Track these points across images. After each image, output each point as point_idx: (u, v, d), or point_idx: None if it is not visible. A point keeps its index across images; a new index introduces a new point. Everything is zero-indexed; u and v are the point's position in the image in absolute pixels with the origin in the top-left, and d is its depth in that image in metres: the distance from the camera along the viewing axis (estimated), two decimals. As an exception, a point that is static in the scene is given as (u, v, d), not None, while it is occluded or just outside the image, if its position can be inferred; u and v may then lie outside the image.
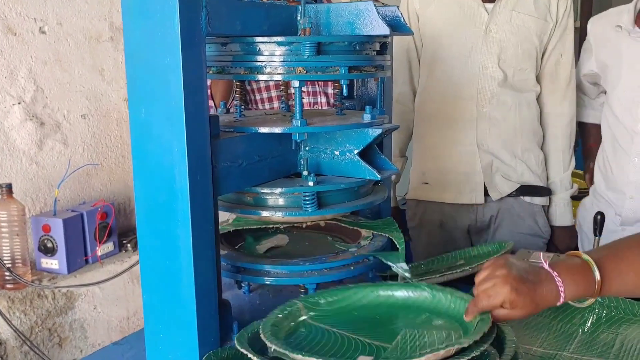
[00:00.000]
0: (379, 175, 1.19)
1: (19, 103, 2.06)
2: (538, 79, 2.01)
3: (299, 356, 0.89)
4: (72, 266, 2.09)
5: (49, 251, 2.06)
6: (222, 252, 1.25)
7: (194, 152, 0.98)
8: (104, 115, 2.35)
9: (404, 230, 2.19)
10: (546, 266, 1.01)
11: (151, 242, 1.03)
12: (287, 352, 0.91)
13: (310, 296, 1.13)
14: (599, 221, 1.50)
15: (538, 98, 2.01)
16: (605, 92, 2.02)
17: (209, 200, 1.03)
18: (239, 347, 0.97)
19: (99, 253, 2.17)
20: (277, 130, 1.13)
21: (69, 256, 2.06)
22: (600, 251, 1.13)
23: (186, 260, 1.00)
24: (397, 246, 1.30)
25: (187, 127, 0.96)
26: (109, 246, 2.23)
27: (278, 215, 1.17)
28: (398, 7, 1.24)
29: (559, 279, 0.99)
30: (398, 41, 1.87)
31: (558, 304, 1.00)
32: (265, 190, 1.16)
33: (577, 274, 1.01)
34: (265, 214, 1.17)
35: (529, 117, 1.98)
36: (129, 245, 2.27)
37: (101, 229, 2.17)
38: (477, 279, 1.03)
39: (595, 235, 1.50)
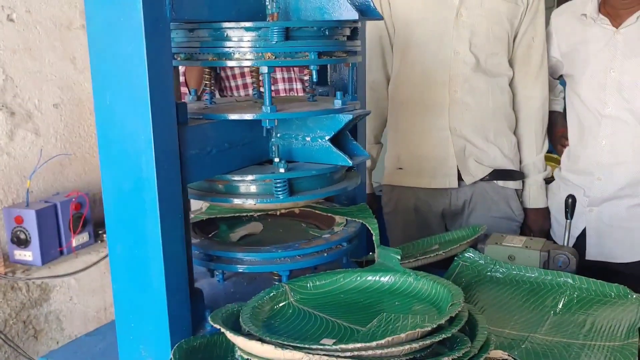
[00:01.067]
0: (350, 162, 1.19)
1: (-12, 93, 2.03)
2: (510, 63, 2.01)
3: (259, 342, 0.89)
4: (46, 257, 2.07)
5: (22, 243, 2.04)
6: (195, 241, 1.24)
7: (160, 140, 0.96)
8: (77, 105, 2.32)
9: (379, 216, 2.21)
10: None
11: (120, 232, 1.01)
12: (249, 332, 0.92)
13: (298, 279, 1.14)
14: (570, 204, 1.51)
15: (510, 82, 2.02)
16: (563, 83, 2.06)
17: (177, 188, 1.02)
18: (211, 323, 0.97)
19: (73, 244, 2.15)
20: (246, 116, 1.12)
21: (43, 247, 2.05)
22: None
23: (155, 249, 0.99)
24: (371, 232, 1.30)
25: (152, 115, 0.95)
26: (83, 237, 2.21)
27: (250, 203, 1.16)
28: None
29: None
30: (371, 28, 1.86)
31: None
32: (236, 178, 1.15)
33: None
34: (236, 201, 1.16)
35: (501, 101, 1.98)
36: (104, 235, 2.25)
37: (75, 220, 2.15)
38: None
39: (566, 218, 1.51)
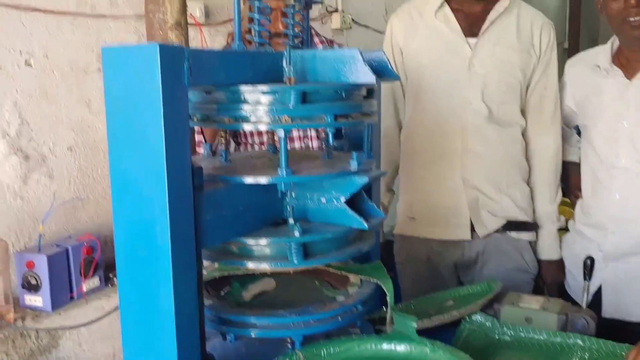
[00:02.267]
0: (366, 225, 1.17)
1: (4, 137, 2.04)
2: (522, 113, 2.01)
3: None
4: (57, 303, 2.05)
5: (33, 288, 2.02)
6: (207, 303, 1.23)
7: (175, 207, 0.96)
8: (91, 147, 2.33)
9: (391, 264, 2.18)
10: None
11: (132, 297, 1.00)
12: None
13: (312, 346, 1.12)
14: (589, 265, 1.49)
15: (523, 131, 2.01)
16: (579, 133, 2.04)
17: (192, 254, 1.01)
18: None
19: (84, 289, 2.14)
20: (262, 180, 1.11)
21: (53, 293, 2.03)
22: None
23: (168, 317, 0.97)
24: (386, 292, 1.28)
25: (168, 183, 0.94)
26: (94, 281, 2.19)
27: (264, 266, 1.15)
28: (384, 52, 1.23)
29: None
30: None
31: None
32: (251, 242, 1.14)
33: None
34: (251, 265, 1.15)
35: (514, 151, 1.97)
36: (115, 279, 2.24)
37: (87, 264, 2.14)
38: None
39: (585, 279, 1.49)
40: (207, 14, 2.71)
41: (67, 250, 2.09)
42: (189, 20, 2.58)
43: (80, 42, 2.24)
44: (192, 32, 2.64)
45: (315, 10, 3.51)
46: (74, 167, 2.27)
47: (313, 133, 2.09)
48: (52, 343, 2.00)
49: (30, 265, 2.02)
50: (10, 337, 1.89)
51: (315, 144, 2.07)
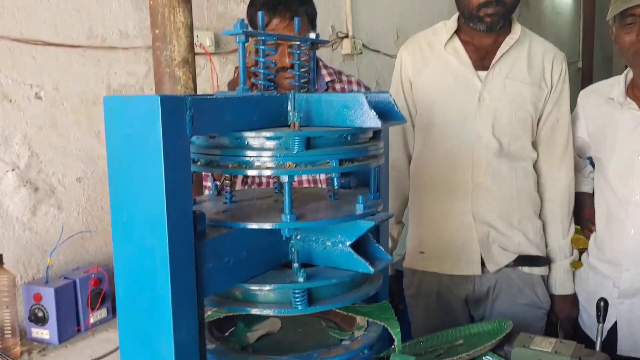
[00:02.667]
0: (372, 269, 1.15)
1: (13, 169, 2.04)
2: (534, 145, 1.98)
3: None
4: (64, 336, 2.04)
5: (40, 321, 2.02)
6: (210, 346, 1.21)
7: (176, 257, 0.94)
8: (100, 178, 2.33)
9: (401, 295, 2.16)
10: None
11: (132, 348, 0.99)
12: None
13: None
14: (602, 308, 1.45)
15: (535, 164, 1.98)
16: (592, 164, 2.01)
17: (193, 304, 0.99)
18: None
19: (91, 321, 2.13)
20: (266, 226, 1.09)
21: (60, 325, 2.02)
22: None
23: (168, 369, 0.96)
24: (393, 336, 1.26)
25: (169, 232, 0.93)
26: (102, 313, 2.19)
27: (267, 312, 1.13)
28: (391, 94, 1.22)
29: None
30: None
31: None
32: (254, 287, 1.12)
33: None
34: (255, 311, 1.13)
35: (525, 185, 1.94)
36: (122, 310, 2.23)
37: (94, 296, 2.13)
38: None
39: (598, 322, 1.45)
40: (217, 43, 2.72)
41: (74, 283, 2.08)
42: (199, 50, 2.60)
43: (90, 74, 2.25)
44: (202, 61, 2.65)
45: (325, 36, 3.52)
46: (83, 198, 2.27)
47: None
48: (57, 377, 1.99)
49: (38, 297, 2.01)
50: (16, 372, 1.88)
51: (322, 175, 2.05)
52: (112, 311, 2.23)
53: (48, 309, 2.01)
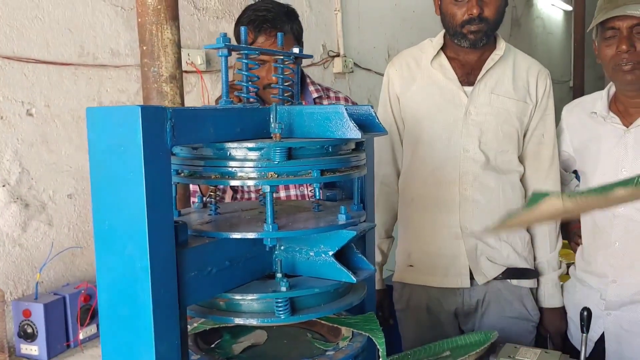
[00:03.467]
0: (354, 278, 1.16)
1: (3, 186, 2.06)
2: (520, 159, 2.00)
3: None
4: (53, 352, 2.04)
5: (29, 337, 2.01)
6: (195, 357, 1.21)
7: (157, 266, 0.95)
8: (90, 194, 2.33)
9: (391, 309, 2.16)
10: None
11: (114, 358, 0.99)
12: None
13: None
14: (586, 317, 1.46)
15: (522, 178, 2.00)
16: (578, 177, 2.04)
17: (175, 313, 1.00)
18: None
19: (80, 337, 2.12)
20: (249, 235, 1.11)
21: (49, 341, 2.02)
22: None
23: (149, 378, 0.96)
24: (378, 347, 1.26)
25: (150, 241, 0.94)
26: (91, 329, 2.18)
27: (251, 322, 1.14)
28: (372, 106, 1.24)
29: None
30: (381, 120, 1.87)
31: None
32: (237, 297, 1.13)
33: None
34: (238, 320, 1.14)
35: (513, 198, 1.96)
36: (112, 327, 2.22)
37: (83, 312, 2.13)
38: None
39: (582, 332, 1.46)
40: (208, 61, 2.75)
41: (64, 299, 2.08)
42: (190, 68, 2.62)
43: (82, 92, 2.28)
44: (193, 79, 2.68)
45: (317, 55, 3.56)
46: (74, 215, 2.28)
47: None
48: (46, 394, 1.98)
49: (27, 314, 2.01)
50: (3, 388, 1.88)
51: (309, 189, 2.07)
52: (102, 327, 2.23)
53: (37, 325, 2.00)
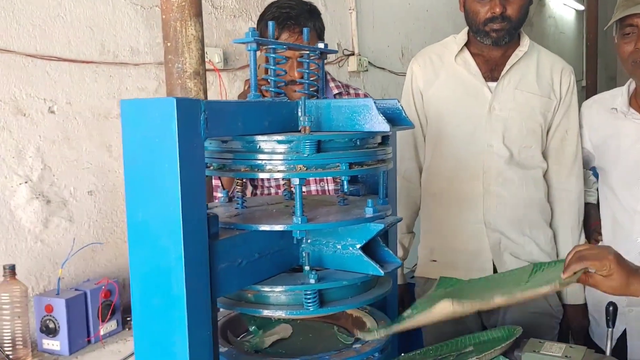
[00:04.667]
0: (382, 271, 1.17)
1: (26, 182, 2.07)
2: (544, 156, 2.00)
3: None
4: (74, 347, 2.05)
5: (51, 332, 2.03)
6: (223, 350, 1.22)
7: (191, 257, 0.96)
8: (111, 191, 2.35)
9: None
10: None
11: (147, 348, 1.00)
12: None
13: None
14: (612, 312, 1.46)
15: (545, 174, 2.00)
16: (595, 175, 2.03)
17: (207, 304, 1.01)
18: None
19: (101, 332, 2.14)
20: (277, 227, 1.11)
21: (71, 337, 2.03)
22: None
23: (183, 367, 0.97)
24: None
25: (184, 232, 0.95)
26: (112, 324, 2.19)
27: (279, 314, 1.15)
28: (399, 100, 1.24)
29: None
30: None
31: None
32: (266, 289, 1.14)
33: None
34: (266, 312, 1.15)
35: (536, 194, 1.96)
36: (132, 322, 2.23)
37: (104, 308, 2.14)
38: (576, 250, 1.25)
39: (608, 326, 1.46)
40: (226, 59, 2.77)
41: (85, 294, 2.10)
42: (208, 66, 2.64)
43: (102, 89, 2.29)
44: (211, 77, 2.69)
45: (332, 54, 3.56)
46: (94, 211, 2.30)
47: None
48: (68, 388, 2.00)
49: (49, 309, 2.02)
50: (27, 382, 1.89)
51: (331, 186, 2.07)
52: (122, 323, 2.24)
53: (59, 320, 2.02)
